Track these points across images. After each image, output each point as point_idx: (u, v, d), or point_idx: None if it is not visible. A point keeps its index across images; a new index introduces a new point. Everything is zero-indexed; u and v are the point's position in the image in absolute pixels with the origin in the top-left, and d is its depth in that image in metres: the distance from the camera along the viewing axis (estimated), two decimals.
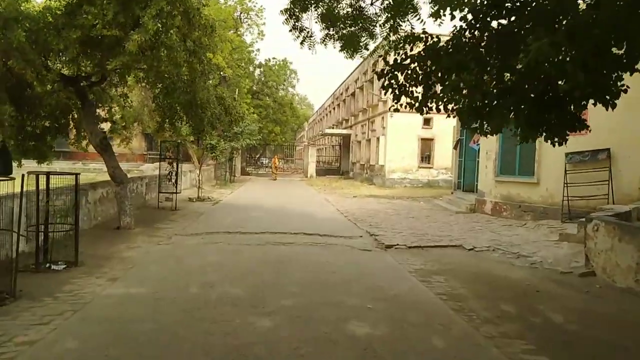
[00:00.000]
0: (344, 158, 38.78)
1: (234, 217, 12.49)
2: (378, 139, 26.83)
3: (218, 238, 9.11)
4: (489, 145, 13.43)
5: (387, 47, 7.09)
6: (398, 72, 5.67)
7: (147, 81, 10.86)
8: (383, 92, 5.82)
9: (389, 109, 25.30)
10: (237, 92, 21.77)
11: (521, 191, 12.28)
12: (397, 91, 5.76)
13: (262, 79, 40.24)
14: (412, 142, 26.03)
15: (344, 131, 37.43)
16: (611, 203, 10.12)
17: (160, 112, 11.12)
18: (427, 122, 25.94)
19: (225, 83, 22.14)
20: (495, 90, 5.00)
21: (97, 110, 12.15)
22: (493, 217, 12.82)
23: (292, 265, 7.15)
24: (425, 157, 26.34)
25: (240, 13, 32.27)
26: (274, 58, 40.90)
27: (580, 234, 8.63)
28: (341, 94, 42.21)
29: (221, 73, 21.71)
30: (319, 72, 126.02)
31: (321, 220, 12.44)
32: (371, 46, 7.47)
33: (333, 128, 41.78)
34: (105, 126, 12.85)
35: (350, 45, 7.14)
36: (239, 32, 31.78)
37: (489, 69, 5.02)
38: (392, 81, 5.71)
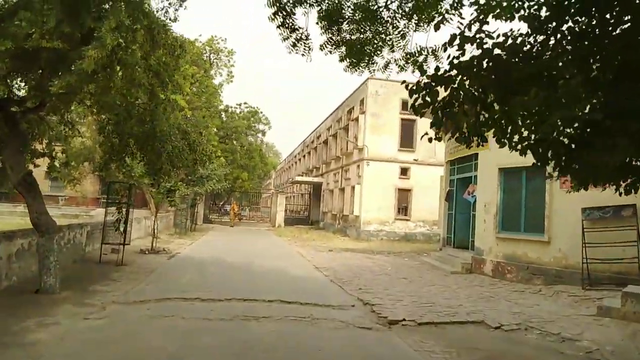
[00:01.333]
0: (314, 207, 36.98)
1: (192, 275, 10.27)
2: (353, 187, 25.31)
3: (170, 308, 6.93)
4: (487, 197, 12.01)
5: (402, 61, 5.53)
6: (440, 85, 4.05)
7: (95, 108, 8.93)
8: (416, 115, 4.01)
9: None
10: (205, 129, 19.85)
11: (528, 250, 10.75)
12: (439, 113, 4.09)
13: (230, 123, 38.65)
14: (389, 192, 24.63)
15: (315, 179, 35.89)
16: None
17: (107, 145, 9.08)
18: (404, 171, 24.77)
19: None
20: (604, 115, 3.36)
21: (33, 143, 10.04)
22: (496, 280, 11.15)
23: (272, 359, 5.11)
24: (402, 208, 24.91)
25: (210, 54, 31.05)
26: (245, 103, 39.55)
27: (626, 308, 7.03)
28: (312, 141, 41.08)
29: (184, 114, 19.91)
30: (287, 119, 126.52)
31: (298, 280, 10.41)
32: (379, 61, 5.85)
33: (303, 176, 40.22)
34: (43, 162, 10.68)
35: (357, 55, 5.51)
36: (208, 75, 30.42)
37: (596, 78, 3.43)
38: (428, 98, 4.08)
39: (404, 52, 5.52)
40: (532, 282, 10.46)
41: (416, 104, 4.19)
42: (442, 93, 4.08)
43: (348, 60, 5.62)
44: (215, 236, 23.21)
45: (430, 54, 5.34)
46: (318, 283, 10.29)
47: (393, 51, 5.49)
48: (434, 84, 4.03)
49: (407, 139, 25.10)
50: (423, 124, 25.31)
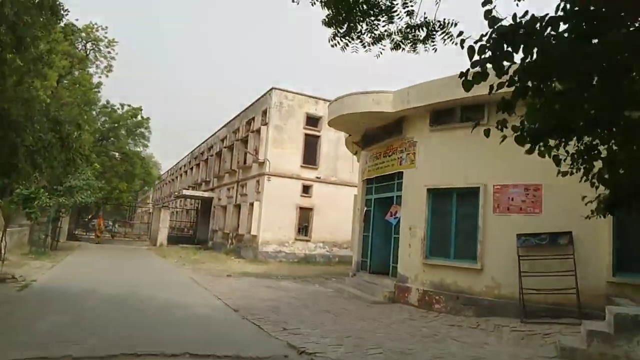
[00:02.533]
0: (202, 224, 33.97)
1: (56, 315, 7.54)
2: (252, 204, 23.37)
3: None
4: (413, 219, 11.14)
5: (400, 36, 4.09)
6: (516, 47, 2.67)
7: None
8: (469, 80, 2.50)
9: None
10: (83, 121, 16.35)
11: (459, 279, 10.00)
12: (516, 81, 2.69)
13: (107, 125, 34.00)
14: (290, 210, 23.18)
15: (205, 194, 33.01)
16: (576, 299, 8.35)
17: None
18: (306, 189, 23.58)
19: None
20: None
21: None
22: (423, 311, 10.20)
23: None
24: (303, 228, 23.60)
25: (87, 42, 26.90)
26: (128, 105, 35.11)
27: (592, 349, 6.33)
28: (202, 153, 38.12)
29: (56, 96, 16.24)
30: (171, 129, 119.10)
31: (202, 319, 8.28)
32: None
33: (190, 190, 36.93)
34: None
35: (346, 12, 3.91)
36: (85, 69, 26.32)
37: None
38: (490, 64, 2.68)
39: (404, 24, 4.11)
40: (463, 313, 9.68)
41: (471, 72, 2.79)
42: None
43: (335, 25, 4.03)
44: (84, 256, 19.40)
45: (439, 27, 4.02)
46: (229, 322, 8.27)
47: (392, 21, 4.07)
48: (504, 38, 2.63)
49: (310, 156, 24.05)
50: (327, 139, 24.65)
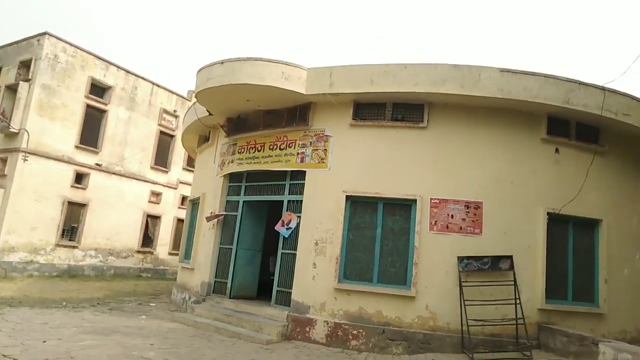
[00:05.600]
0: None
1: None
2: None
3: None
4: (321, 232, 8.79)
5: None
6: None
7: None
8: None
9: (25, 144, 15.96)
10: None
11: (385, 308, 8.19)
12: None
13: None
14: (54, 205, 16.65)
15: None
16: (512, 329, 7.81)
17: None
18: (80, 178, 17.59)
19: None
20: None
21: None
22: (336, 350, 7.94)
23: None
24: (69, 230, 17.30)
25: None
26: None
27: None
28: None
29: None
30: None
31: None
32: None
33: None
34: None
35: None
36: None
37: None
38: None
39: None
40: (390, 350, 7.93)
41: None
42: None
43: None
44: None
45: None
46: None
47: None
48: None
49: (90, 135, 18.16)
50: (115, 117, 18.90)
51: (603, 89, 8.60)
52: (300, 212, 9.25)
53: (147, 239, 20.17)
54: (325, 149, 9.18)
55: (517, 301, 7.83)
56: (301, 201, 9.27)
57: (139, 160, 19.81)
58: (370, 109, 9.11)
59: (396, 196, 8.56)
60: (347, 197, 8.75)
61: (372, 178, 8.76)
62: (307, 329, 8.42)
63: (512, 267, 8.10)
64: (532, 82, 8.44)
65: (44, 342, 6.61)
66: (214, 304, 9.87)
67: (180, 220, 21.70)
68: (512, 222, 8.40)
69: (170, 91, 21.54)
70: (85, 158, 17.76)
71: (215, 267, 10.46)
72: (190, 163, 22.26)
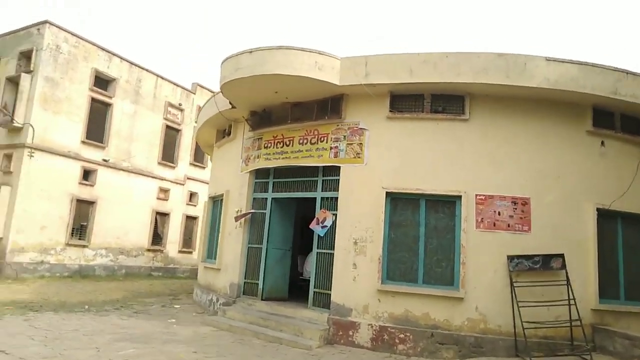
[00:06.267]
0: None
1: None
2: None
3: None
4: (361, 231, 8.38)
5: None
6: None
7: None
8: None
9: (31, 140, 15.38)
10: None
11: (432, 310, 7.84)
12: None
13: None
14: (63, 203, 16.12)
15: None
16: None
17: None
18: (87, 175, 17.03)
19: None
20: None
21: None
22: (384, 355, 7.59)
23: None
24: (78, 229, 16.77)
25: None
26: None
27: None
28: None
29: None
30: None
31: None
32: None
33: None
34: None
35: None
36: None
37: None
38: None
39: None
40: (440, 354, 7.58)
41: None
42: None
43: None
44: None
45: None
46: None
47: None
48: None
49: (96, 129, 17.55)
50: (120, 111, 18.19)
51: None
52: (335, 209, 8.83)
53: (157, 237, 19.68)
54: (361, 143, 8.73)
55: (572, 301, 7.49)
56: (336, 198, 8.85)
57: (145, 156, 19.23)
58: (408, 101, 8.65)
59: (439, 192, 8.15)
60: (387, 193, 8.33)
61: (412, 173, 8.34)
62: (351, 333, 8.05)
63: (564, 266, 7.74)
64: (578, 72, 8.02)
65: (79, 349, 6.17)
66: (246, 306, 9.46)
67: (189, 218, 21.24)
68: (561, 219, 8.02)
69: (175, 84, 20.88)
70: (92, 154, 17.17)
71: (245, 268, 10.03)
72: (197, 158, 21.74)
